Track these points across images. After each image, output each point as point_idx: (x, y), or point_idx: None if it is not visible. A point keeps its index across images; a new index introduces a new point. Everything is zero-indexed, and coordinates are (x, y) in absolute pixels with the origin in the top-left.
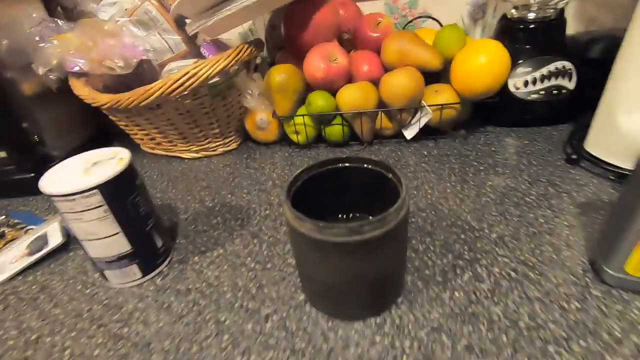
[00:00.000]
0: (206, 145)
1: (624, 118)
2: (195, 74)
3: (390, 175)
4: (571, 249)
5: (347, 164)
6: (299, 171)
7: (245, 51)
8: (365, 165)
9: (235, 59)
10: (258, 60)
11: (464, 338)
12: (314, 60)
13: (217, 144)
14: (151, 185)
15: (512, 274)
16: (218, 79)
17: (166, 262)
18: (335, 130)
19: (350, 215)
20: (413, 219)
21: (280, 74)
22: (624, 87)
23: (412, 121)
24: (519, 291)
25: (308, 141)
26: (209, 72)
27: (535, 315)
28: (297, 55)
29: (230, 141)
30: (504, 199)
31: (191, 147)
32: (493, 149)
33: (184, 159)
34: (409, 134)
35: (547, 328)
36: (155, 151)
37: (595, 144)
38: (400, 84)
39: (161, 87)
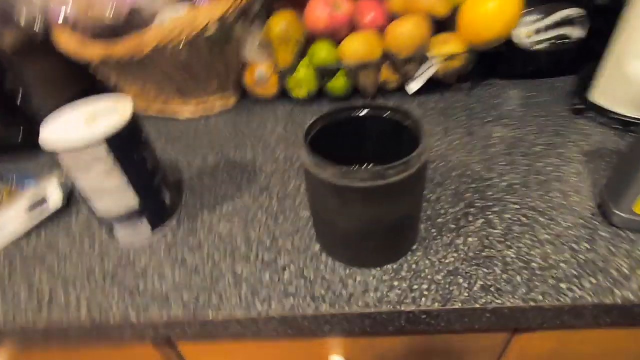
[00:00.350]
0: (204, 100)
1: (634, 64)
2: (192, 22)
3: (408, 122)
4: (579, 194)
5: (364, 112)
6: (314, 118)
7: None
8: (384, 114)
9: (232, 6)
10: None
11: (479, 280)
12: (316, 8)
13: (215, 100)
14: None
15: (523, 219)
16: (214, 28)
17: (175, 218)
18: (338, 83)
19: (365, 165)
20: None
21: (281, 22)
22: (635, 32)
23: (417, 73)
24: (531, 235)
25: (309, 95)
26: (206, 19)
27: (547, 257)
28: (296, 1)
29: (229, 96)
30: (512, 149)
31: (189, 103)
32: (498, 101)
33: (180, 120)
34: (412, 87)
35: (559, 267)
36: (149, 112)
37: (602, 93)
38: (406, 32)
39: (156, 37)
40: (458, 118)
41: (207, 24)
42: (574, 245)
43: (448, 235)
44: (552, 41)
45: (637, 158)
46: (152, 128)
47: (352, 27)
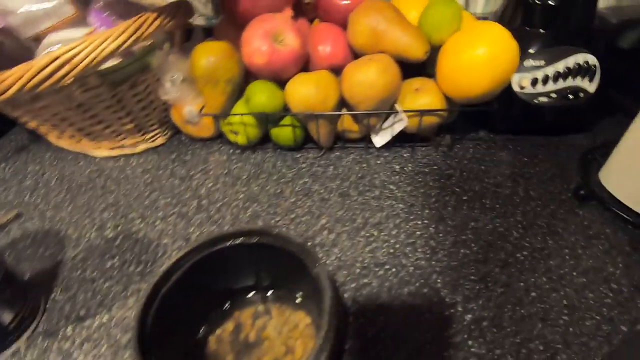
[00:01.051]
0: (121, 142)
1: None
2: (71, 59)
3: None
4: (568, 350)
5: (231, 242)
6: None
7: (153, 22)
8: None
9: (136, 35)
10: (203, 22)
11: None
12: (253, 40)
13: (135, 140)
14: (44, 198)
15: None
16: (116, 62)
17: (23, 338)
18: (284, 133)
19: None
20: (366, 280)
21: (207, 56)
22: None
23: (384, 125)
24: None
25: (251, 143)
26: (93, 55)
27: None
28: (237, 26)
29: (155, 136)
30: (489, 254)
31: (101, 144)
32: (483, 166)
33: (95, 157)
34: (378, 141)
35: None
36: (61, 143)
37: (613, 177)
38: (368, 81)
39: (19, 79)
40: (428, 191)
41: (96, 59)
42: None
43: None
44: (561, 94)
45: None
46: (58, 169)
47: (303, 62)
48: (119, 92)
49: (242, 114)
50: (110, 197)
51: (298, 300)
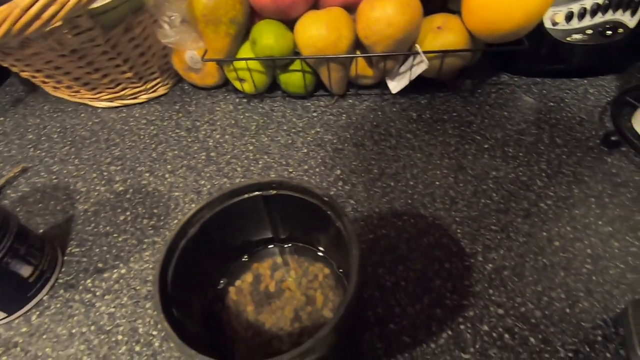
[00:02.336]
0: (121, 93)
1: None
2: None
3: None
4: (590, 298)
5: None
6: (184, 220)
7: None
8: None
9: None
10: None
11: None
12: None
13: (136, 90)
14: (48, 152)
15: (506, 336)
16: (108, 0)
17: (45, 290)
18: (293, 79)
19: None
20: (384, 230)
21: None
22: None
23: (401, 69)
24: (511, 356)
25: (258, 91)
26: None
27: None
28: None
29: (156, 85)
30: (510, 203)
31: (100, 94)
32: (506, 112)
33: (96, 107)
34: (395, 86)
35: None
36: (58, 94)
37: None
38: (385, 18)
39: (3, 21)
40: (447, 139)
41: None
42: None
43: (399, 357)
44: (597, 30)
45: None
46: (59, 122)
47: (312, 2)
48: (113, 36)
49: (247, 59)
50: (116, 150)
51: (320, 253)
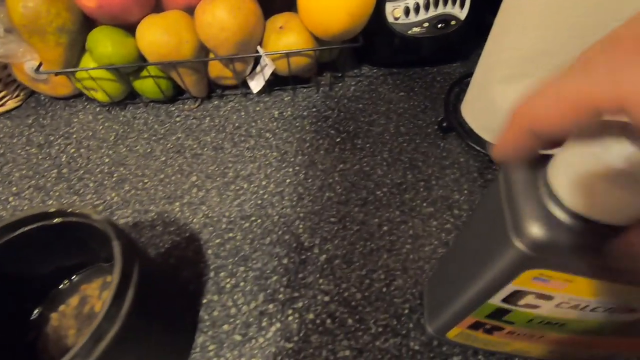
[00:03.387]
0: None
1: (499, 89)
2: None
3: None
4: (404, 275)
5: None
6: None
7: None
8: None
9: None
10: None
11: None
12: None
13: None
14: None
15: (328, 321)
16: None
17: None
18: (146, 86)
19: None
20: (231, 234)
21: (23, 1)
22: (504, 45)
23: (257, 69)
24: (328, 351)
25: (114, 99)
26: None
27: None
28: None
29: (3, 99)
30: (351, 194)
31: None
32: (361, 104)
33: None
34: (255, 86)
35: None
36: None
37: (470, 111)
38: (217, 22)
39: None
40: (303, 136)
41: None
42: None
43: (229, 355)
44: (432, 24)
45: (458, 275)
46: None
47: (148, 1)
48: None
49: (87, 69)
50: None
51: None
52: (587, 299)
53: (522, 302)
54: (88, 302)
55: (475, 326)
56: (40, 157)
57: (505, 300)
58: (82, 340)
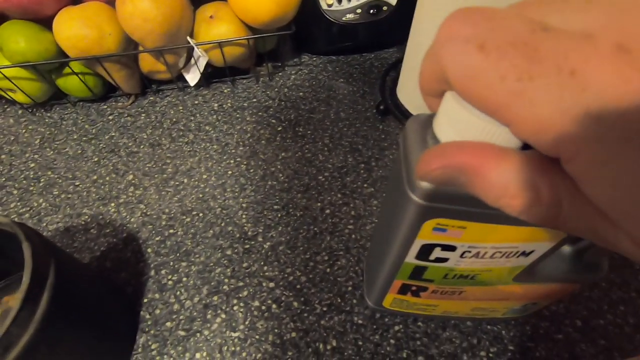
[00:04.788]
0: None
1: None
2: None
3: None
4: (347, 254)
5: None
6: None
7: None
8: None
9: None
10: None
11: None
12: None
13: None
14: None
15: (274, 306)
16: None
17: None
18: (71, 84)
19: None
20: (172, 230)
21: None
22: (423, 34)
23: (192, 61)
24: (275, 333)
25: (37, 100)
26: None
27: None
28: None
29: None
30: (294, 181)
31: None
32: (301, 93)
33: None
34: (191, 79)
35: None
36: None
37: (405, 95)
38: (139, 12)
39: None
40: (244, 127)
41: None
42: (320, 346)
43: (172, 352)
44: (362, 10)
45: (383, 241)
46: None
47: None
48: None
49: (0, 67)
50: None
51: None
52: (482, 245)
53: (432, 256)
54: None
55: (403, 290)
56: None
57: (418, 257)
58: None
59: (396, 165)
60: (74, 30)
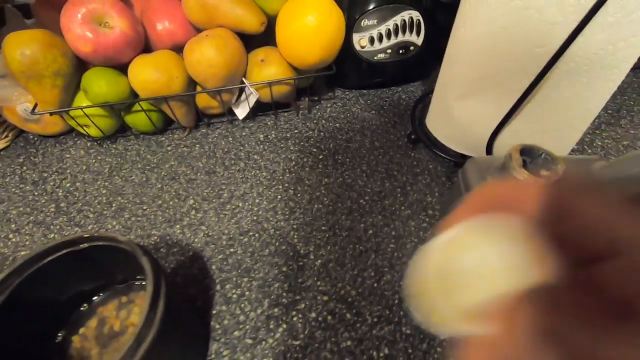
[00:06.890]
0: None
1: (455, 104)
2: None
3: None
4: (392, 271)
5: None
6: None
7: None
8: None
9: None
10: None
11: None
12: (72, 27)
13: None
14: None
15: (329, 317)
16: None
17: None
18: (139, 120)
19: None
20: (232, 249)
21: (20, 49)
22: (454, 70)
23: (242, 98)
24: (332, 343)
25: (106, 133)
26: None
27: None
28: (56, 5)
29: None
30: (337, 204)
31: None
32: (338, 124)
33: None
34: (240, 113)
35: None
36: None
37: (434, 125)
38: (205, 59)
39: None
40: (289, 155)
41: None
42: (373, 353)
43: (242, 358)
44: (395, 49)
45: None
46: None
47: (137, 42)
48: None
49: (82, 107)
50: None
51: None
52: None
53: None
54: (107, 323)
55: None
56: (36, 193)
57: None
58: (127, 344)
59: (455, 193)
60: (147, 75)
